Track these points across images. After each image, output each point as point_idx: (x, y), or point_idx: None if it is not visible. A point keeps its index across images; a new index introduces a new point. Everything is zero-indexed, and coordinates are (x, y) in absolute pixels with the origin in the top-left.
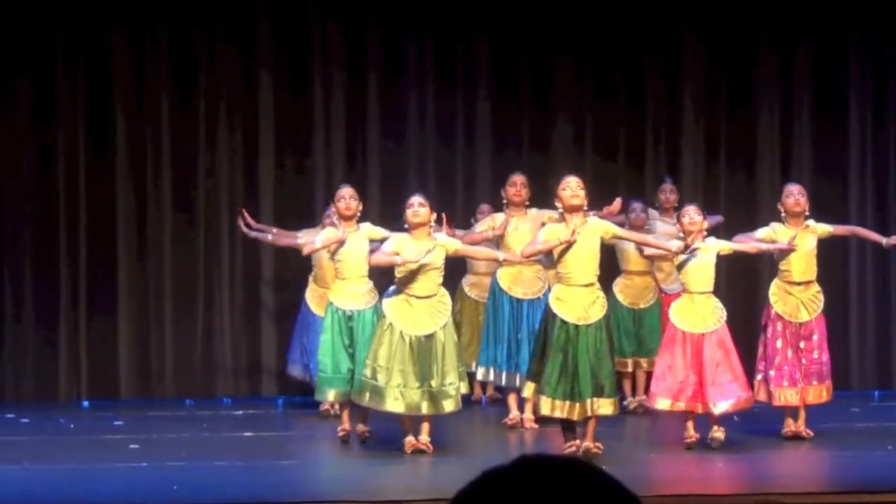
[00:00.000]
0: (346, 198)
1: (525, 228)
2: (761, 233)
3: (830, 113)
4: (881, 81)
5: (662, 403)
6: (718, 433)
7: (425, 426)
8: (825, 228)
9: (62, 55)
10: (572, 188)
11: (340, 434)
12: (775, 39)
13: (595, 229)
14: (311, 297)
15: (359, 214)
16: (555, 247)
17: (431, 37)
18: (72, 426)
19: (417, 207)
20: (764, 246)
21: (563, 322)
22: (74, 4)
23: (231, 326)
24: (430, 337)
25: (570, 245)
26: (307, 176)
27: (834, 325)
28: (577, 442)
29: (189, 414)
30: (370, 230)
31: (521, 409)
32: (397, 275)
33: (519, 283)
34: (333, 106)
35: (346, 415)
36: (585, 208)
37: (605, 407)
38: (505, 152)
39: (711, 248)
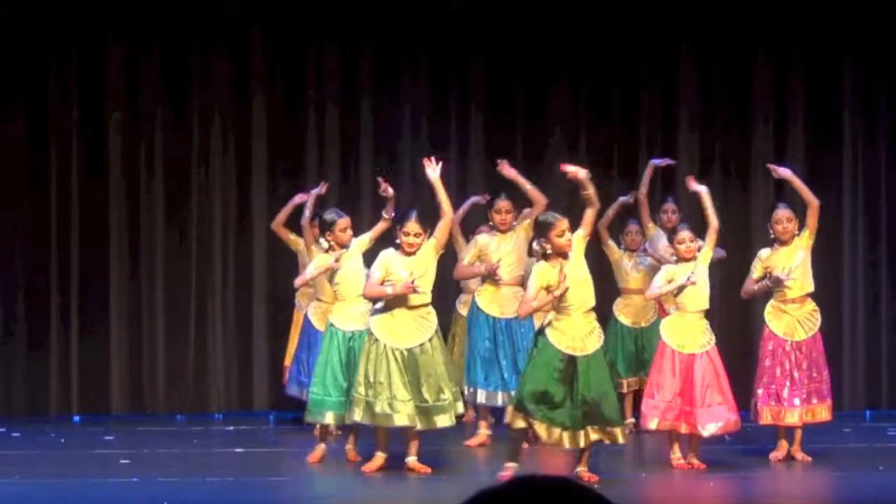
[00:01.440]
0: (347, 229)
1: (506, 249)
2: (755, 272)
3: (823, 131)
4: (872, 100)
5: (653, 423)
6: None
7: (413, 445)
8: (805, 233)
9: (55, 72)
10: (568, 235)
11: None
12: (770, 57)
13: (574, 252)
14: (314, 313)
15: None
16: (550, 302)
17: (426, 54)
18: (62, 441)
19: (413, 238)
20: (756, 288)
21: (560, 352)
22: (67, 21)
23: (223, 342)
24: (416, 349)
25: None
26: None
27: (825, 344)
28: (516, 465)
29: (180, 429)
30: (359, 243)
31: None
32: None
33: (497, 301)
34: (327, 122)
35: (351, 439)
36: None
37: (615, 436)
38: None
39: (702, 263)
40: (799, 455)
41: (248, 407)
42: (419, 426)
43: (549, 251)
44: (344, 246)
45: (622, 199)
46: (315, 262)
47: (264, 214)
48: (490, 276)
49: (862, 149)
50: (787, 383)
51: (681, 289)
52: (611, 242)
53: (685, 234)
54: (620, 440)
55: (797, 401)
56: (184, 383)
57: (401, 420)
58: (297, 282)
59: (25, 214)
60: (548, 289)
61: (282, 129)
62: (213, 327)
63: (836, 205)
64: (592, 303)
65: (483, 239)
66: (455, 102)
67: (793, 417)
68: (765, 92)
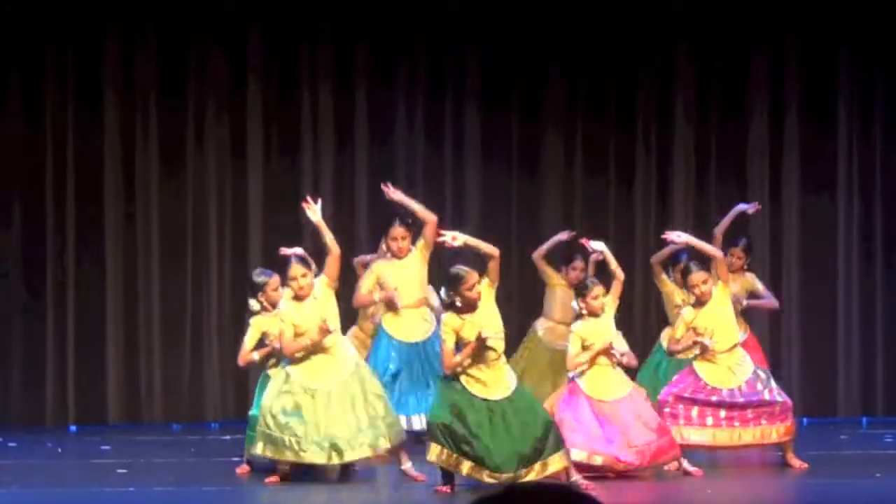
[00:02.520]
0: (278, 288)
1: (404, 275)
2: (679, 332)
3: (819, 125)
4: (868, 94)
5: (579, 455)
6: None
7: (403, 454)
8: (719, 285)
9: (53, 69)
10: (477, 288)
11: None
12: (766, 52)
13: (484, 301)
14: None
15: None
16: (474, 351)
17: (422, 51)
18: (59, 450)
19: (302, 280)
20: (680, 347)
21: (474, 396)
22: (65, 18)
23: (219, 350)
24: (334, 388)
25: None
26: (294, 192)
27: (820, 351)
28: (450, 488)
29: (176, 438)
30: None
31: None
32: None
33: (402, 326)
34: (322, 121)
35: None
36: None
37: (555, 463)
38: (494, 159)
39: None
40: (795, 463)
41: (244, 416)
42: (334, 461)
43: (458, 303)
44: (275, 305)
45: (674, 244)
46: (251, 331)
47: (259, 214)
48: (388, 304)
49: (857, 144)
50: (696, 408)
51: (601, 353)
52: (664, 276)
53: (598, 289)
54: (564, 464)
55: (710, 420)
56: (180, 392)
57: (310, 457)
58: (241, 362)
59: (21, 220)
60: (458, 341)
61: (278, 129)
62: (209, 335)
63: (831, 199)
64: (502, 346)
65: (379, 267)
66: (451, 98)
67: (700, 436)
68: (761, 86)
